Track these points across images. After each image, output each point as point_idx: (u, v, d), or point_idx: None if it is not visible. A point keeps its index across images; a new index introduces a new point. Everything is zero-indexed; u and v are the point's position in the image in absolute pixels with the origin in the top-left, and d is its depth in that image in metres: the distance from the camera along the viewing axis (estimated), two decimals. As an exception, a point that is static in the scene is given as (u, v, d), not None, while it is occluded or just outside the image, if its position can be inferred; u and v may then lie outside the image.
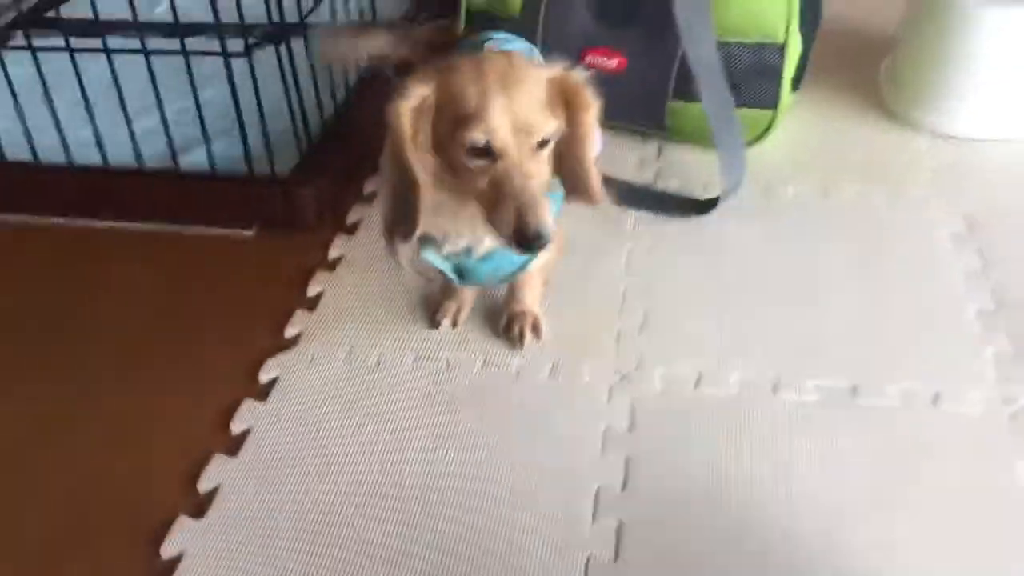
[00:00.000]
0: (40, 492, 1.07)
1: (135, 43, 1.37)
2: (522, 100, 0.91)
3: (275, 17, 1.39)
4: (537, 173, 0.93)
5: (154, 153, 1.48)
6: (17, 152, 1.51)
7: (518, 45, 1.16)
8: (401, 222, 0.98)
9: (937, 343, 1.18)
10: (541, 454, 1.07)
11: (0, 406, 1.18)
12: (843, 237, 1.37)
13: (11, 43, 1.75)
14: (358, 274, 1.35)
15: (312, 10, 1.53)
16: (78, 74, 1.41)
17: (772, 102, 1.49)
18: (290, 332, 1.27)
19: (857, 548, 0.94)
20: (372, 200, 1.50)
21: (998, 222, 1.37)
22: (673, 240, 1.38)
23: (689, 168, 1.54)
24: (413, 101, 0.93)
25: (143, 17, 1.38)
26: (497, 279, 1.16)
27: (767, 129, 1.52)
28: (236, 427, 1.13)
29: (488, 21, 1.60)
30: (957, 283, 1.27)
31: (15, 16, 1.67)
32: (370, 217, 1.46)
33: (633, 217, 1.43)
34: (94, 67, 1.43)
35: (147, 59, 1.38)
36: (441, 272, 1.12)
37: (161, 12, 2.08)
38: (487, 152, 0.91)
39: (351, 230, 1.44)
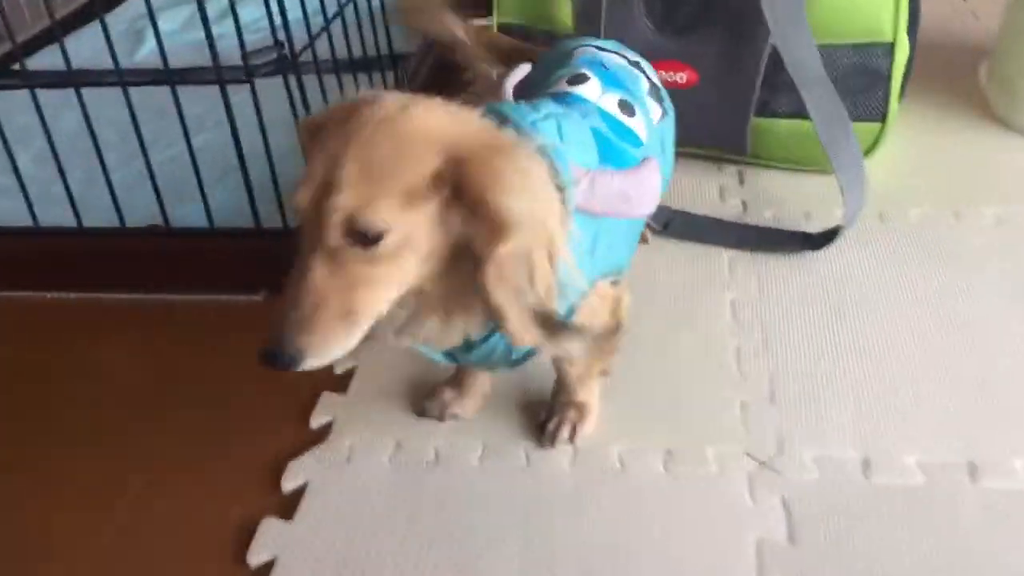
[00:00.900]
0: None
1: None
2: (353, 171, 0.63)
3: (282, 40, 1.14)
4: (340, 278, 0.64)
5: (138, 209, 1.22)
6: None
7: (612, 57, 0.92)
8: None
9: None
10: (674, 579, 0.79)
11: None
12: (996, 267, 1.11)
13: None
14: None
15: (317, 36, 1.28)
16: (45, 128, 1.15)
17: (879, 113, 1.25)
18: (317, 422, 0.99)
19: None
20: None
21: None
22: (784, 283, 1.12)
23: (780, 195, 1.29)
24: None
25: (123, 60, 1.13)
26: (496, 365, 0.83)
27: (874, 144, 1.27)
28: (255, 558, 0.84)
29: (530, 40, 1.37)
30: None
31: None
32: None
33: (726, 258, 1.17)
34: (65, 115, 1.18)
35: (127, 95, 1.12)
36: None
37: (145, 56, 1.88)
38: None
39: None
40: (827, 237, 1.15)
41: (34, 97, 1.14)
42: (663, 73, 1.29)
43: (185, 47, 1.62)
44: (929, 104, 1.45)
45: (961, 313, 1.04)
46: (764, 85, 1.25)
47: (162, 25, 2.10)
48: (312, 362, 0.64)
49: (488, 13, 1.41)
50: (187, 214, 1.22)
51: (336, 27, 1.33)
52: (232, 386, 1.04)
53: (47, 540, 0.89)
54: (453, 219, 0.65)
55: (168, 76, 1.10)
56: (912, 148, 1.34)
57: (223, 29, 1.13)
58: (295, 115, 1.15)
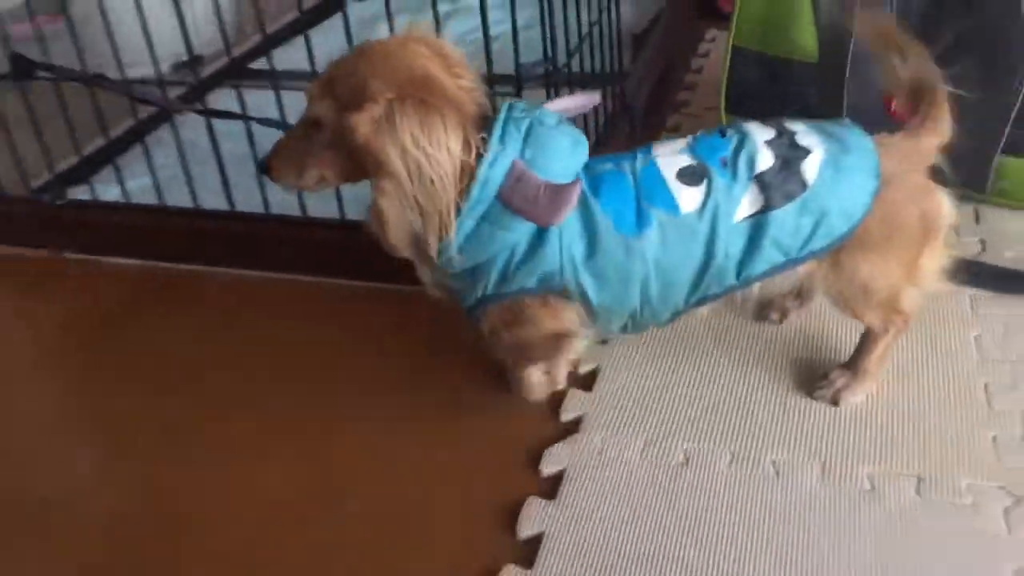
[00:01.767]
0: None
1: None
2: (329, 78, 0.88)
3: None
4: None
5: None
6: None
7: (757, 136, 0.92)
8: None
9: None
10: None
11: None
12: None
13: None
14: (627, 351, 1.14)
15: (576, 49, 1.36)
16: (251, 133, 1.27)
17: None
18: (567, 416, 1.06)
19: None
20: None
21: None
22: (1030, 324, 1.11)
23: (1022, 235, 1.28)
24: None
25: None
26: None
27: None
28: (524, 531, 0.92)
29: (763, 66, 1.40)
30: None
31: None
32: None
33: (968, 298, 1.17)
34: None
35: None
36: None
37: None
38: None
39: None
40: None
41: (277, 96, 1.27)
42: (905, 105, 1.30)
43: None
44: None
45: None
46: (1017, 121, 1.24)
47: (382, 33, 2.24)
48: (272, 176, 0.92)
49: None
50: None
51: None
52: (479, 376, 1.12)
53: (349, 490, 0.99)
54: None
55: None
56: None
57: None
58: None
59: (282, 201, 1.30)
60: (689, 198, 0.88)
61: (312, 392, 1.14)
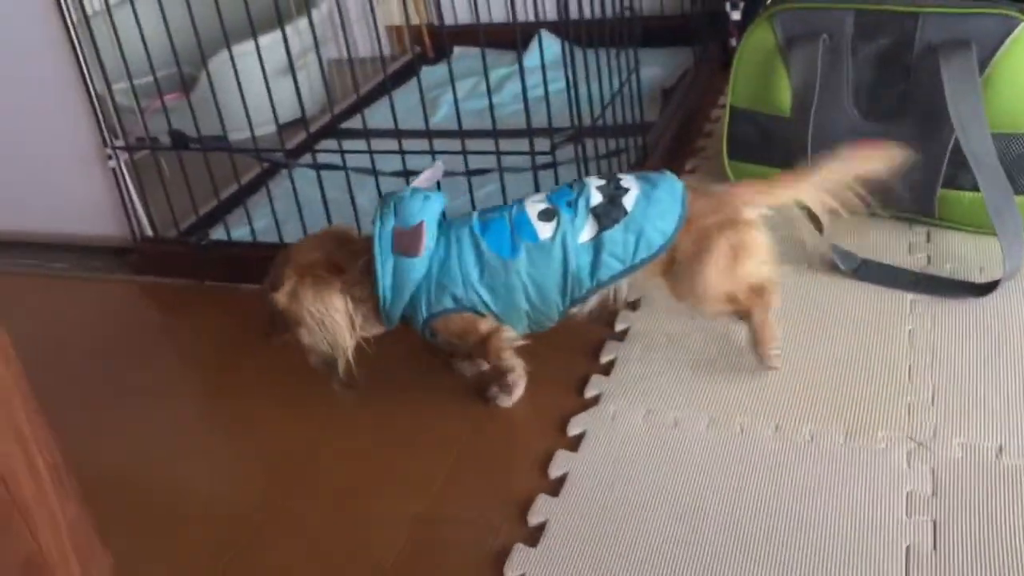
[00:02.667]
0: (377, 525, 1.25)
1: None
2: None
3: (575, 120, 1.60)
4: None
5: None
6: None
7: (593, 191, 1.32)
8: None
9: None
10: (845, 517, 1.13)
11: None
12: None
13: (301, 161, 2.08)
14: (644, 342, 1.48)
15: (602, 112, 1.72)
16: (377, 178, 1.65)
17: (1048, 188, 1.52)
18: (589, 393, 1.41)
19: None
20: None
21: None
22: (955, 320, 1.42)
23: (961, 252, 1.58)
24: None
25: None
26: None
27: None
28: (553, 472, 1.27)
29: (751, 121, 1.75)
30: None
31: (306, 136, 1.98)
32: (649, 295, 1.59)
33: (909, 300, 1.49)
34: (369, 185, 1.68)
35: (465, 159, 1.62)
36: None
37: (437, 122, 2.40)
38: None
39: (633, 306, 1.58)
40: (989, 287, 1.44)
41: (369, 147, 1.65)
42: (866, 150, 1.62)
43: (467, 114, 1.89)
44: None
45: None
46: (950, 163, 1.56)
47: (449, 95, 2.63)
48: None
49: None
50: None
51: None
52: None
53: (421, 443, 1.36)
54: None
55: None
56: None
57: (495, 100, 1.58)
58: (579, 173, 1.61)
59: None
60: (545, 230, 1.27)
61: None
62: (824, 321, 1.46)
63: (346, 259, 1.31)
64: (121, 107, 1.84)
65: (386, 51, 2.69)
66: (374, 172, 1.63)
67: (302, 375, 1.38)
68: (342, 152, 1.68)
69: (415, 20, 2.77)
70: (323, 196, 1.71)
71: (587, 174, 1.63)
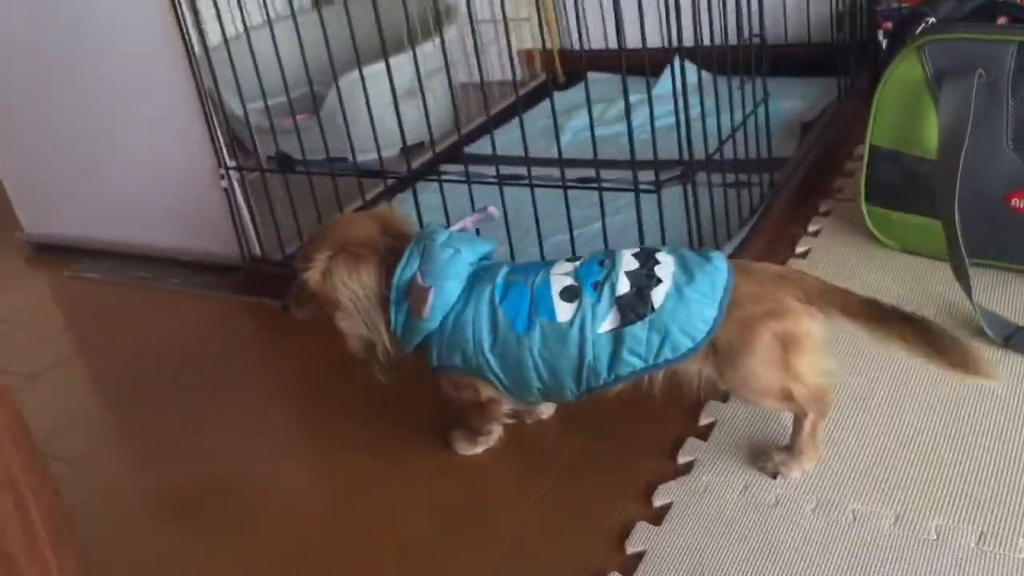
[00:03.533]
0: None
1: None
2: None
3: (684, 155, 1.47)
4: None
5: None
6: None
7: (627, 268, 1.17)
8: None
9: None
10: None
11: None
12: None
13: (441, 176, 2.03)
14: (746, 410, 1.33)
15: (717, 149, 1.59)
16: (503, 199, 1.57)
17: None
18: (683, 459, 1.27)
19: None
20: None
21: None
22: None
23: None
24: None
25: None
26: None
27: None
28: (630, 548, 1.14)
29: (894, 162, 1.56)
30: None
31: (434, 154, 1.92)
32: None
33: None
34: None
35: (565, 193, 1.52)
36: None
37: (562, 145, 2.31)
38: None
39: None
40: None
41: (467, 175, 1.57)
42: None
43: (587, 142, 1.78)
44: None
45: None
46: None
47: (574, 122, 2.54)
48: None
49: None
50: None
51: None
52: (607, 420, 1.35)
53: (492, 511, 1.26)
54: None
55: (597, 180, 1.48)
56: None
57: (619, 128, 1.48)
58: (688, 219, 1.47)
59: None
60: (565, 310, 1.14)
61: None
62: (960, 400, 1.26)
63: (387, 246, 1.24)
64: (255, 127, 1.85)
65: (518, 75, 2.64)
66: (499, 182, 1.55)
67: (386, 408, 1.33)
68: (468, 177, 1.61)
69: (549, 44, 2.71)
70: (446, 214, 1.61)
71: (701, 204, 1.50)
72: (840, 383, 1.26)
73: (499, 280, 1.20)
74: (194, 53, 1.77)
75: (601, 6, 2.53)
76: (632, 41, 1.42)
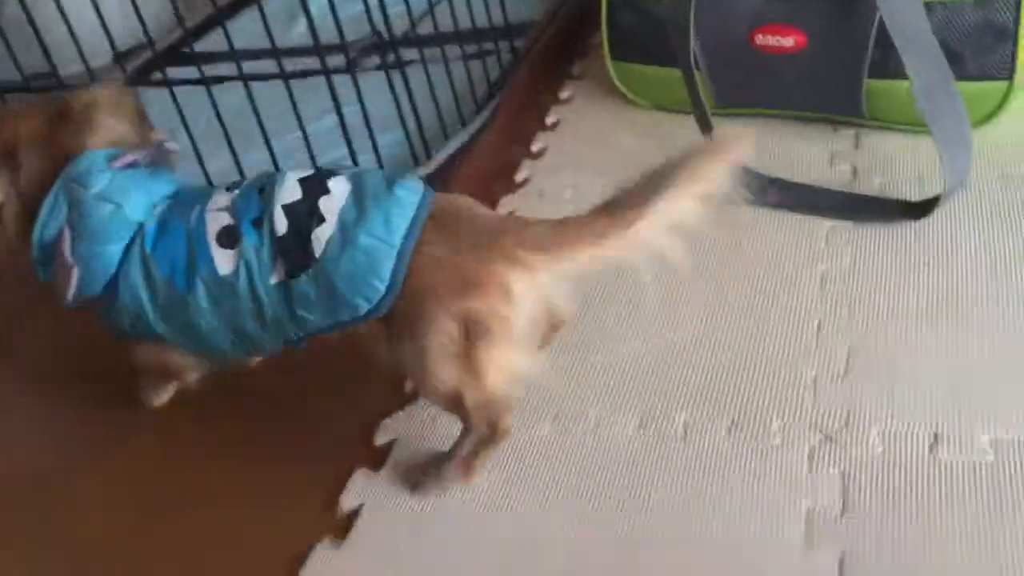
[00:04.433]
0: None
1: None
2: None
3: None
4: None
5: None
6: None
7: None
8: None
9: None
10: (720, 550, 0.81)
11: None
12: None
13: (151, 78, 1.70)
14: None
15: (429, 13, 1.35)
16: (214, 103, 1.29)
17: (1006, 70, 1.17)
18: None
19: None
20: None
21: None
22: (881, 255, 1.09)
23: (895, 160, 1.24)
24: None
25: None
26: None
27: (1000, 105, 1.19)
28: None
29: (633, 8, 1.38)
30: None
31: (151, 55, 1.60)
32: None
33: (826, 228, 1.15)
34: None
35: (286, 83, 1.26)
36: None
37: (300, 33, 2.01)
38: None
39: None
40: (928, 206, 1.10)
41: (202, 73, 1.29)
42: (771, 37, 1.26)
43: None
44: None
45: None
46: (878, 45, 1.20)
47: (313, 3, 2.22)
48: None
49: None
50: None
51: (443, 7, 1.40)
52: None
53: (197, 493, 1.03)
54: None
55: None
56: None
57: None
58: (398, 106, 1.24)
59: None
60: (225, 260, 0.87)
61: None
62: (709, 268, 1.11)
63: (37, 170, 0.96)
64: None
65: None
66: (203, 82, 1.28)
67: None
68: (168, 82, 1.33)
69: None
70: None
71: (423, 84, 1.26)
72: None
73: (155, 218, 0.91)
74: None
75: None
76: None
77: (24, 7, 1.37)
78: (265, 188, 0.89)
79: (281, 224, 0.86)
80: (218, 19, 1.46)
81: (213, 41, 1.70)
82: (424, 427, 0.99)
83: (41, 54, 1.42)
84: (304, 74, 1.41)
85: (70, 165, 0.93)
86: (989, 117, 1.20)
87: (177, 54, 1.86)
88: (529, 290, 0.83)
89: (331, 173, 0.89)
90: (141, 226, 0.91)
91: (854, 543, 0.79)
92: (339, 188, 0.87)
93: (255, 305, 0.87)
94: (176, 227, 0.90)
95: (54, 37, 1.43)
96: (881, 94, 1.23)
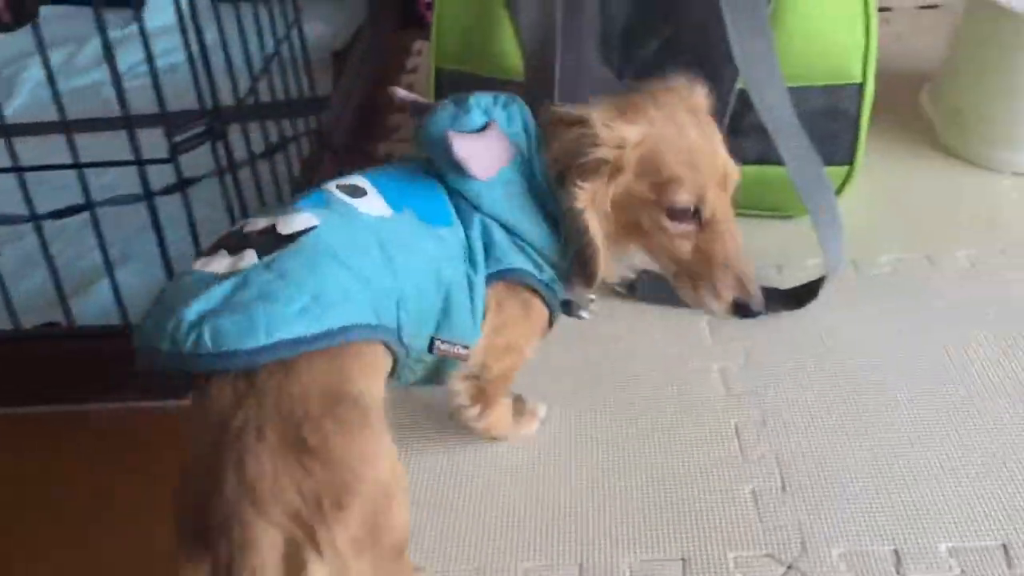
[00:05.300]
0: None
1: None
2: (723, 153, 0.80)
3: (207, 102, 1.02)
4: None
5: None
6: None
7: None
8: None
9: None
10: None
11: None
12: (981, 316, 1.06)
13: None
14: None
15: (252, 90, 1.15)
16: None
17: (848, 156, 1.20)
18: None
19: None
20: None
21: None
22: (770, 347, 1.05)
23: (749, 247, 1.22)
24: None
25: None
26: None
27: (841, 188, 1.22)
28: None
29: (464, 86, 1.26)
30: None
31: None
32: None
33: (705, 321, 1.10)
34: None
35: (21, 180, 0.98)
36: None
37: (18, 108, 1.70)
38: (694, 214, 0.78)
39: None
40: (810, 292, 1.09)
41: None
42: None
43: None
44: (878, 138, 1.40)
45: (961, 362, 0.99)
46: (728, 129, 1.18)
47: (32, 72, 1.92)
48: None
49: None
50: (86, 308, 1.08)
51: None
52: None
53: None
54: None
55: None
56: (871, 187, 1.29)
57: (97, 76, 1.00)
58: (227, 196, 1.03)
59: None
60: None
61: None
62: (597, 373, 1.02)
63: None
64: None
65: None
66: None
67: None
68: None
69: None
70: None
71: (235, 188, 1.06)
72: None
73: None
74: None
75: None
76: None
77: None
78: None
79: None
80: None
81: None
82: None
83: None
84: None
85: None
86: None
87: None
88: None
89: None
90: None
91: None
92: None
93: None
94: None
95: None
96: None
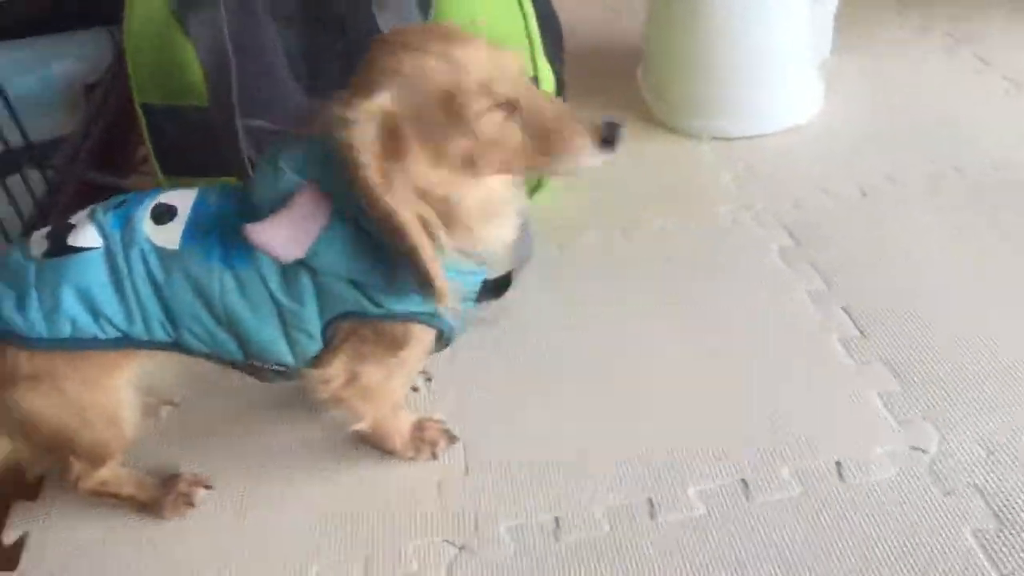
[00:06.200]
0: None
1: None
2: (488, 48, 0.76)
3: None
4: None
5: None
6: None
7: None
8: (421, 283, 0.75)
9: (813, 398, 0.97)
10: None
11: None
12: (658, 287, 1.14)
13: None
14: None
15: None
16: None
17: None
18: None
19: None
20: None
21: (818, 221, 1.21)
22: (475, 339, 1.10)
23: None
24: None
25: None
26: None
27: (539, 180, 1.29)
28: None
29: (174, 119, 1.27)
30: (806, 312, 1.07)
31: None
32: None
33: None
34: None
35: None
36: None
37: None
38: (506, 106, 0.74)
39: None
40: (503, 284, 1.14)
41: None
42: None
43: None
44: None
45: (634, 334, 1.07)
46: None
47: None
48: None
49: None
50: None
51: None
52: None
53: None
54: None
55: None
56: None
57: None
58: None
59: None
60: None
61: None
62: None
63: None
64: None
65: None
66: None
67: None
68: None
69: None
70: None
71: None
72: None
73: None
74: None
75: None
76: None
77: None
78: None
79: None
80: None
81: None
82: None
83: None
84: None
85: None
86: (533, 191, 1.29)
87: None
88: None
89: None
90: None
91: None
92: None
93: None
94: None
95: None
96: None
